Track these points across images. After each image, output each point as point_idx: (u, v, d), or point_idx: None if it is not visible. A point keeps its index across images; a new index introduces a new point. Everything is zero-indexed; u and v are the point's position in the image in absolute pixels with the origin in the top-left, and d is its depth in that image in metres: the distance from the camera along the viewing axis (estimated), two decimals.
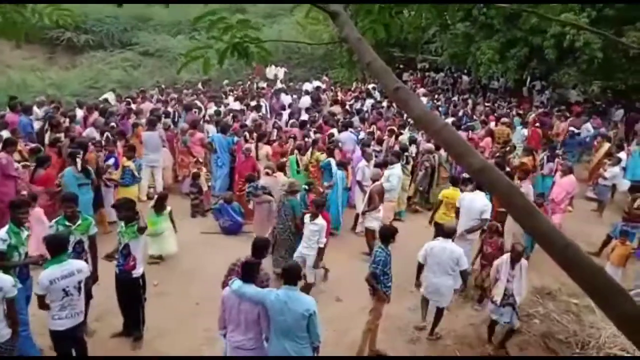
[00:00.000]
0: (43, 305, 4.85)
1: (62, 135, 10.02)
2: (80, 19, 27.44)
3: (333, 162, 9.83)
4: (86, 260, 5.67)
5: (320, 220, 7.18)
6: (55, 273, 4.81)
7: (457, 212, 8.08)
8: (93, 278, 5.73)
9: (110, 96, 15.93)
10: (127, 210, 5.94)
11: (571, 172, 9.98)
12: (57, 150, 9.17)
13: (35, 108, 12.19)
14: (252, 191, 8.76)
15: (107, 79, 20.95)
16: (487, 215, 7.76)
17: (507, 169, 10.27)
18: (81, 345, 5.27)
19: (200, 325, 6.42)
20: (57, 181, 8.21)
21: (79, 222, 5.87)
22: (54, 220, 5.96)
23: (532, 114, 17.25)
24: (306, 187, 8.41)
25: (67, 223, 5.82)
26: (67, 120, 11.42)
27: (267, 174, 9.11)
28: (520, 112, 17.56)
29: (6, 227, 5.34)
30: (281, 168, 9.66)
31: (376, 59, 2.52)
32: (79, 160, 8.13)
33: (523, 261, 6.41)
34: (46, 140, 10.14)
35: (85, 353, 5.29)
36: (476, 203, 7.77)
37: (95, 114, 11.96)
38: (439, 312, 6.70)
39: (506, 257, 6.45)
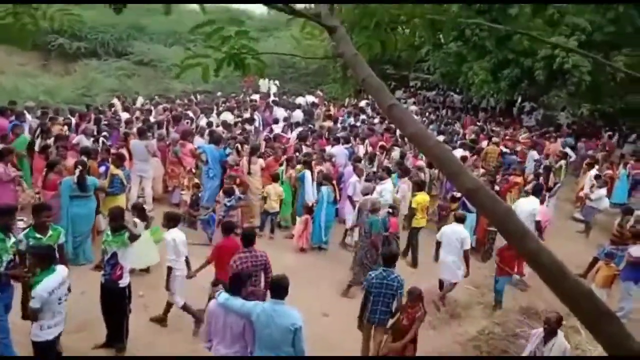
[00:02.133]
0: (35, 317, 4.72)
1: (51, 141, 9.96)
2: (77, 26, 27.50)
3: (308, 174, 9.93)
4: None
5: None
6: (52, 284, 4.73)
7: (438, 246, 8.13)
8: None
9: (116, 101, 15.96)
10: (117, 219, 5.86)
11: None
12: (45, 157, 9.11)
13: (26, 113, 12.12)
14: (233, 204, 8.80)
15: (101, 87, 20.96)
16: (467, 246, 7.84)
17: (497, 188, 10.37)
18: (58, 356, 5.18)
19: (185, 337, 6.36)
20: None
21: (50, 232, 5.67)
22: (21, 234, 5.61)
23: (523, 133, 17.48)
24: (390, 210, 8.48)
25: (37, 235, 5.55)
26: (66, 128, 11.33)
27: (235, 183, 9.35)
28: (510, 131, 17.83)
29: None
30: (275, 179, 9.88)
31: (372, 75, 2.54)
32: (77, 172, 7.88)
33: (560, 338, 5.38)
34: (36, 147, 10.05)
35: None
36: (456, 235, 7.82)
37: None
38: (452, 285, 7.96)
39: (540, 331, 5.54)
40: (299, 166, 10.30)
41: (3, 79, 19.15)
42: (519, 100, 24.33)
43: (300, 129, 14.23)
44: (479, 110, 24.07)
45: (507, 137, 16.47)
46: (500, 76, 18.86)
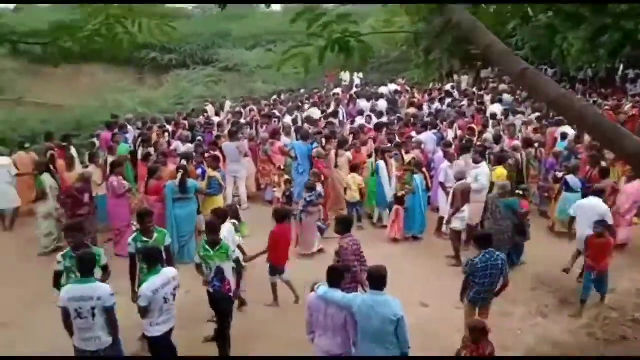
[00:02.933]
0: (143, 315, 5.05)
1: (152, 149, 10.60)
2: (165, 39, 29.15)
3: (382, 165, 9.82)
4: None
5: None
6: (156, 283, 5.02)
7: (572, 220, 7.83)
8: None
9: (210, 107, 16.75)
10: (214, 232, 5.84)
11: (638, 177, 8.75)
12: (148, 164, 9.71)
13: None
14: (313, 200, 8.70)
15: (191, 95, 21.96)
16: (610, 221, 7.31)
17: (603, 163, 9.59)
18: (171, 349, 5.42)
19: (287, 330, 6.47)
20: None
21: (155, 235, 5.99)
22: (130, 238, 6.08)
23: (628, 104, 15.98)
24: (520, 192, 8.33)
25: (143, 238, 5.93)
26: (166, 134, 12.02)
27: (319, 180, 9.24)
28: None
29: (64, 251, 5.60)
30: (354, 169, 9.85)
31: (496, 42, 2.32)
32: (178, 175, 8.43)
33: None
34: (139, 156, 10.77)
35: (175, 356, 5.45)
36: (595, 209, 7.37)
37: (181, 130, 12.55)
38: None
39: None
40: (409, 157, 10.15)
41: (105, 95, 20.64)
42: (622, 67, 22.32)
43: (383, 119, 14.09)
44: (576, 82, 22.40)
45: (609, 109, 15.11)
46: (598, 44, 17.37)
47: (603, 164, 9.50)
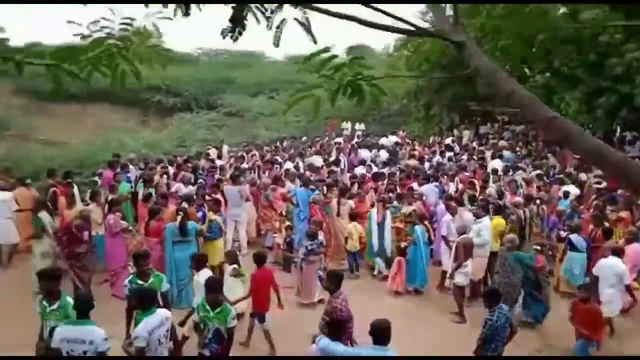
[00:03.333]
0: (142, 355, 4.85)
1: (153, 190, 10.57)
2: (171, 82, 29.76)
3: (374, 213, 9.92)
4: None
5: None
6: (152, 323, 4.88)
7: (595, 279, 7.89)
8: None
9: (213, 151, 16.83)
10: (216, 290, 5.49)
11: (637, 240, 8.58)
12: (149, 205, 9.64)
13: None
14: (314, 249, 8.59)
15: (194, 138, 22.21)
16: (627, 281, 7.56)
17: (606, 224, 9.57)
18: None
19: None
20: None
21: (151, 279, 5.96)
22: (126, 280, 6.12)
23: None
24: (537, 247, 8.29)
25: (139, 281, 5.94)
26: (165, 176, 12.01)
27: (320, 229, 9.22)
28: None
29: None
30: (354, 217, 9.91)
31: (519, 88, 2.30)
32: (178, 218, 8.35)
33: None
34: (140, 196, 10.72)
35: None
36: (614, 269, 7.55)
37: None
38: (609, 321, 7.49)
39: None
40: (406, 207, 10.13)
41: (109, 135, 20.83)
42: (619, 129, 22.70)
43: (384, 169, 14.20)
44: None
45: None
46: (595, 105, 17.69)
47: (606, 224, 9.49)
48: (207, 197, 10.06)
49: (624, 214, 10.43)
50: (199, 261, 6.90)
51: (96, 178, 12.12)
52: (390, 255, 9.77)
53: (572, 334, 7.37)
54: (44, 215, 8.81)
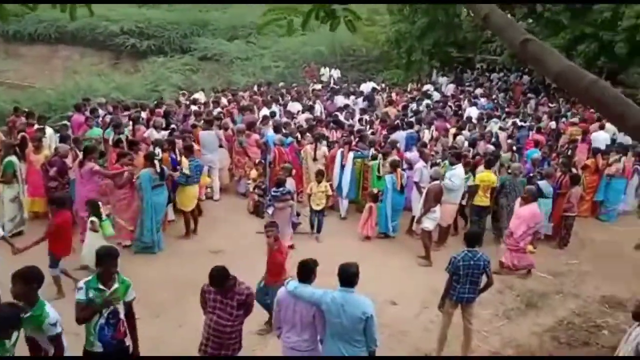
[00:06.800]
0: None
1: (123, 135, 10.34)
2: (144, 25, 28.68)
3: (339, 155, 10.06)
4: (124, 333, 4.49)
5: None
6: None
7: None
8: (135, 355, 4.66)
9: (200, 95, 16.59)
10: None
11: (535, 199, 8.23)
12: (119, 151, 9.43)
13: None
14: (278, 196, 8.36)
15: (168, 82, 21.63)
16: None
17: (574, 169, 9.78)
18: None
19: (251, 325, 6.38)
20: (135, 181, 8.29)
21: (116, 285, 4.39)
22: (82, 282, 4.42)
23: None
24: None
25: (99, 286, 4.32)
26: (131, 122, 11.75)
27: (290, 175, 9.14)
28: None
29: None
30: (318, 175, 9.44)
31: (495, 10, 2.19)
32: (157, 162, 8.23)
33: None
34: (110, 141, 10.48)
35: None
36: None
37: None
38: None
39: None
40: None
41: (78, 78, 20.19)
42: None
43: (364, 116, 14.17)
44: (550, 90, 22.81)
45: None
46: (574, 53, 17.68)
47: (574, 170, 9.70)
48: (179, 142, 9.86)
49: (589, 161, 10.71)
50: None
51: (66, 122, 11.84)
52: (356, 198, 10.01)
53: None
54: (14, 159, 8.58)
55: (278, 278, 5.94)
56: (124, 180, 8.26)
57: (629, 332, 5.03)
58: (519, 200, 8.49)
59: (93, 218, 7.10)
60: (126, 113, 12.51)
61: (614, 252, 9.18)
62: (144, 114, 12.72)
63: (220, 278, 4.70)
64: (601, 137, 12.26)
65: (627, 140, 11.36)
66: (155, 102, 14.31)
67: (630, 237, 9.62)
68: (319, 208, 9.23)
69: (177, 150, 9.24)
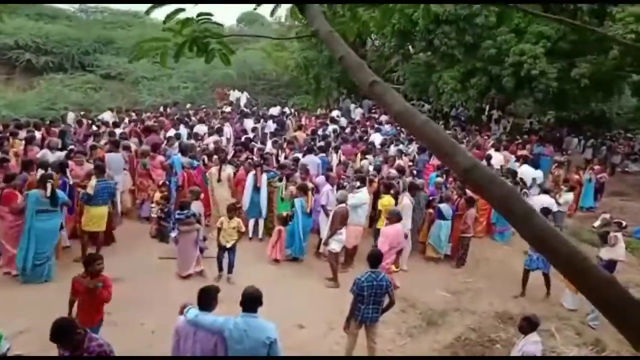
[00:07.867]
0: None
1: (9, 155, 9.58)
2: (42, 40, 26.92)
3: (251, 176, 10.01)
4: None
5: None
6: None
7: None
8: None
9: (107, 115, 15.91)
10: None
11: (399, 220, 8.16)
12: (4, 171, 8.70)
13: None
14: (182, 219, 8.16)
15: (66, 100, 20.48)
16: None
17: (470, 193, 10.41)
18: None
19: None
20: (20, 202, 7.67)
21: None
22: None
23: (492, 141, 17.71)
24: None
25: None
26: (23, 142, 10.92)
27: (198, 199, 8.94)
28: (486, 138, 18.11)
29: None
30: (230, 210, 8.76)
31: (349, 53, 2.34)
32: (49, 185, 7.55)
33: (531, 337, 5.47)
34: None
35: None
36: None
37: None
38: None
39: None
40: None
41: None
42: (487, 108, 24.73)
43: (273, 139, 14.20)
44: (449, 118, 24.37)
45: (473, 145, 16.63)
46: (468, 85, 19.15)
47: (469, 193, 10.34)
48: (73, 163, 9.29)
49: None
50: None
51: None
52: (266, 219, 10.03)
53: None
54: None
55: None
56: (18, 205, 7.63)
57: (516, 344, 5.46)
58: (384, 221, 8.53)
59: None
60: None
61: (506, 270, 9.80)
62: (38, 134, 11.90)
63: (62, 332, 3.84)
64: (494, 161, 13.33)
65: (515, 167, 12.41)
66: (50, 121, 13.45)
67: (519, 256, 10.35)
68: (229, 245, 8.29)
69: (68, 174, 8.69)
